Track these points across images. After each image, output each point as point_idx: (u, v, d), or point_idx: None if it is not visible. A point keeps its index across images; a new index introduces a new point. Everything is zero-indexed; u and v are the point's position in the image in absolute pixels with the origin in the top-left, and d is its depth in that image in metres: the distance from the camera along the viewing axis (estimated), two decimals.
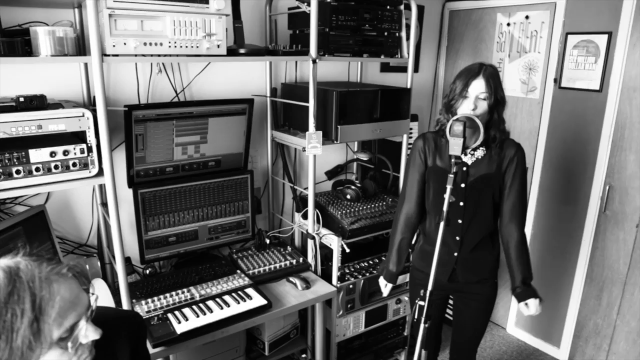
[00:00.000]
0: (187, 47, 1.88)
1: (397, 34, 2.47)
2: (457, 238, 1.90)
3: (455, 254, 1.92)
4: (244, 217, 2.49)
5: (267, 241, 2.54)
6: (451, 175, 1.63)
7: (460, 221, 1.88)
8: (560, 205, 2.84)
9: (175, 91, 2.32)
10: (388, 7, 2.39)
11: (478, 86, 1.75)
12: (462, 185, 1.85)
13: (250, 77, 2.52)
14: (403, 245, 2.05)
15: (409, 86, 2.56)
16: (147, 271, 2.25)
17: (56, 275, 0.93)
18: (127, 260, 2.26)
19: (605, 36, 2.48)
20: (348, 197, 2.51)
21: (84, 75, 2.03)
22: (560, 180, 2.82)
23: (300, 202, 2.60)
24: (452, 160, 1.66)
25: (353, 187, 2.51)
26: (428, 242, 2.02)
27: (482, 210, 1.88)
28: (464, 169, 1.85)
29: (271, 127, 2.60)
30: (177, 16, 1.83)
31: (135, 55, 1.79)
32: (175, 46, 1.86)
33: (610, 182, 2.59)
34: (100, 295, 2.03)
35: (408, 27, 2.52)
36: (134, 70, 2.18)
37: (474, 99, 1.75)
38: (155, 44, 1.82)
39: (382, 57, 2.47)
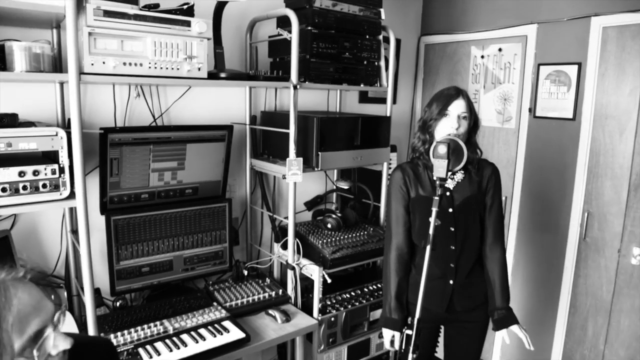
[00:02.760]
0: (167, 68, 1.86)
1: (376, 63, 2.51)
2: (452, 265, 1.85)
3: (451, 282, 1.86)
4: (221, 247, 2.40)
5: (245, 273, 2.44)
6: (436, 198, 1.60)
7: (453, 247, 1.84)
8: (540, 233, 2.85)
9: (153, 116, 2.27)
10: (367, 37, 2.44)
11: (459, 105, 1.78)
12: (450, 210, 1.83)
13: (229, 105, 2.50)
14: (402, 286, 1.91)
15: (388, 114, 2.58)
16: (117, 303, 2.12)
17: (13, 280, 0.88)
18: (97, 292, 2.13)
19: (576, 67, 2.57)
20: (329, 226, 2.46)
21: (59, 97, 1.96)
22: (539, 209, 2.84)
23: (280, 232, 2.53)
24: (437, 182, 1.64)
25: (334, 216, 2.46)
26: (420, 274, 1.95)
27: (472, 233, 1.86)
28: (447, 193, 1.84)
29: (250, 155, 2.55)
30: (159, 37, 1.82)
31: (114, 75, 1.74)
32: (156, 67, 1.84)
33: (588, 209, 2.61)
34: (66, 329, 1.90)
35: (387, 59, 2.58)
36: (111, 93, 2.14)
37: (456, 118, 1.77)
38: (135, 64, 1.79)
39: (362, 85, 2.49)
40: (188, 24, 1.89)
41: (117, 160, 2.06)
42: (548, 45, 2.70)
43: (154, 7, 1.87)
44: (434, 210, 1.59)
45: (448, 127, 1.78)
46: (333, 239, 2.39)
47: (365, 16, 2.39)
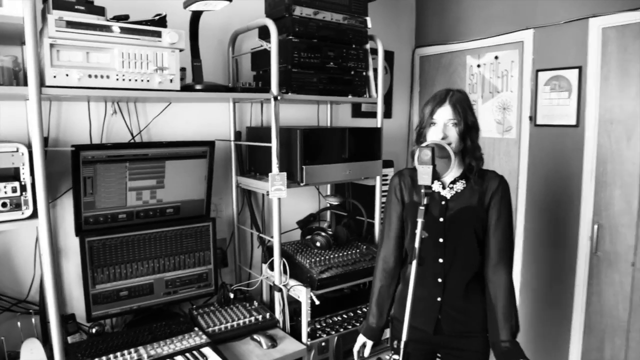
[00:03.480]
0: (136, 80, 1.79)
1: (364, 73, 2.41)
2: (439, 280, 1.70)
3: (439, 299, 1.70)
4: (206, 269, 2.28)
5: (232, 296, 2.31)
6: (422, 207, 1.49)
7: (441, 260, 1.69)
8: (548, 248, 2.67)
9: (132, 133, 2.19)
10: (354, 46, 2.35)
11: (445, 113, 1.65)
12: (441, 219, 1.69)
13: (213, 121, 2.43)
14: (383, 294, 1.82)
15: (379, 125, 2.46)
16: (94, 330, 2.01)
17: None
18: (71, 318, 2.04)
19: (576, 71, 2.44)
20: (318, 244, 2.32)
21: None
22: (546, 222, 2.66)
23: (267, 252, 2.41)
24: (422, 190, 1.51)
25: (323, 234, 2.32)
26: (405, 285, 1.81)
27: (465, 247, 1.69)
28: (443, 203, 1.70)
29: (236, 173, 2.46)
30: (126, 48, 1.75)
31: (78, 88, 1.67)
32: (124, 79, 1.76)
33: (598, 221, 2.43)
34: (34, 358, 1.79)
35: (375, 69, 2.48)
36: (87, 110, 2.07)
37: (442, 127, 1.65)
38: (102, 77, 1.72)
39: (350, 96, 2.39)
40: (158, 34, 1.82)
41: (91, 179, 1.98)
42: (546, 50, 2.57)
43: (123, 18, 1.82)
44: (420, 221, 1.48)
45: (434, 135, 1.66)
46: (322, 258, 2.25)
47: (350, 25, 2.31)
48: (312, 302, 2.10)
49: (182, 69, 2.13)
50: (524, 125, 2.70)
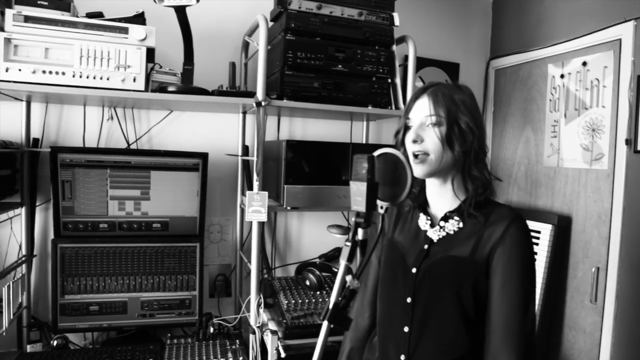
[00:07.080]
0: (94, 78, 1.67)
1: (388, 80, 1.98)
2: (402, 357, 1.17)
3: None
4: (189, 295, 2.04)
5: (212, 330, 2.01)
6: (347, 244, 1.06)
7: (406, 329, 1.17)
8: None
9: (127, 141, 2.10)
10: (376, 48, 1.95)
11: (421, 107, 1.14)
12: (414, 270, 1.18)
13: (225, 133, 2.24)
14: (353, 358, 1.37)
15: None
16: (55, 342, 1.90)
17: None
18: (38, 326, 1.96)
19: None
20: (307, 283, 1.91)
21: (24, 116, 1.93)
22: None
23: (265, 287, 2.07)
24: (354, 219, 1.08)
25: (317, 272, 1.91)
26: (371, 352, 1.33)
27: (442, 316, 1.14)
28: (425, 246, 1.19)
29: (241, 192, 2.20)
30: (87, 44, 1.65)
31: (28, 83, 1.60)
32: (81, 76, 1.66)
33: None
34: None
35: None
36: (90, 114, 2.05)
37: (417, 127, 1.14)
38: (57, 73, 1.64)
39: (370, 107, 1.97)
40: (125, 30, 1.70)
41: (70, 183, 1.92)
42: None
43: (97, 15, 1.75)
44: (343, 264, 1.05)
45: (408, 142, 1.18)
46: (306, 301, 1.83)
47: (370, 21, 1.93)
48: (279, 354, 1.70)
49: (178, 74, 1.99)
50: (620, 152, 1.94)
